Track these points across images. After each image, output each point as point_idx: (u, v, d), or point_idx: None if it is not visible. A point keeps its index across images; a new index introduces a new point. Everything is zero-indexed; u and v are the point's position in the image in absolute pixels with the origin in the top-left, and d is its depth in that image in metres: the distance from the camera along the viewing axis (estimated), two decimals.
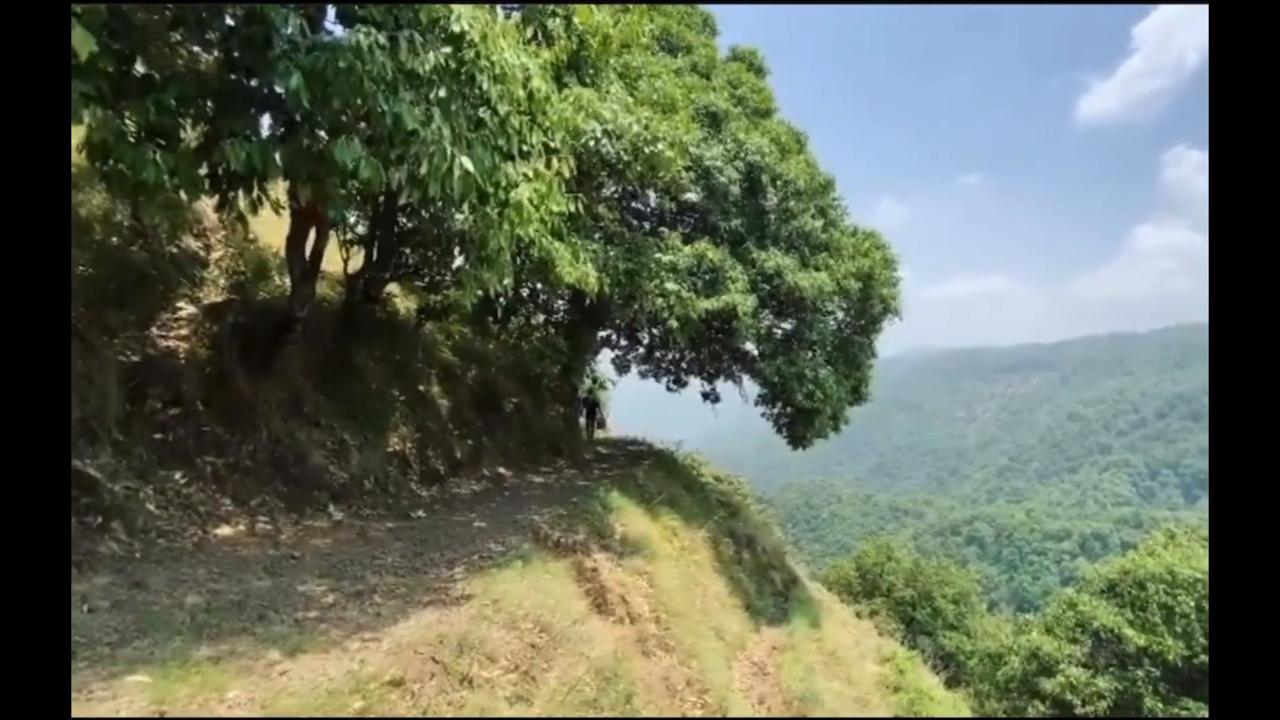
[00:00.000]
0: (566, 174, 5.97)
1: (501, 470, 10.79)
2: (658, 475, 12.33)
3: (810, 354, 14.56)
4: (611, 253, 8.02)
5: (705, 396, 16.59)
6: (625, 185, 10.22)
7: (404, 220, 7.90)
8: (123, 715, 3.11)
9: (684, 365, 16.36)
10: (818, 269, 14.32)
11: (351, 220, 9.07)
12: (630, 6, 12.12)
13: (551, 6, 8.18)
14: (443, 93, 4.89)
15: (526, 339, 12.47)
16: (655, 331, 13.84)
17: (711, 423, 20.63)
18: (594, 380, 16.63)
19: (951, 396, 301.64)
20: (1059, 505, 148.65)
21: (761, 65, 17.17)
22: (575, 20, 8.37)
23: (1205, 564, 23.05)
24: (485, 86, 5.09)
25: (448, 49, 4.88)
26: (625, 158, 7.57)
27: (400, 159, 4.94)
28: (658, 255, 8.37)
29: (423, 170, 4.83)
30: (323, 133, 4.94)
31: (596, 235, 9.74)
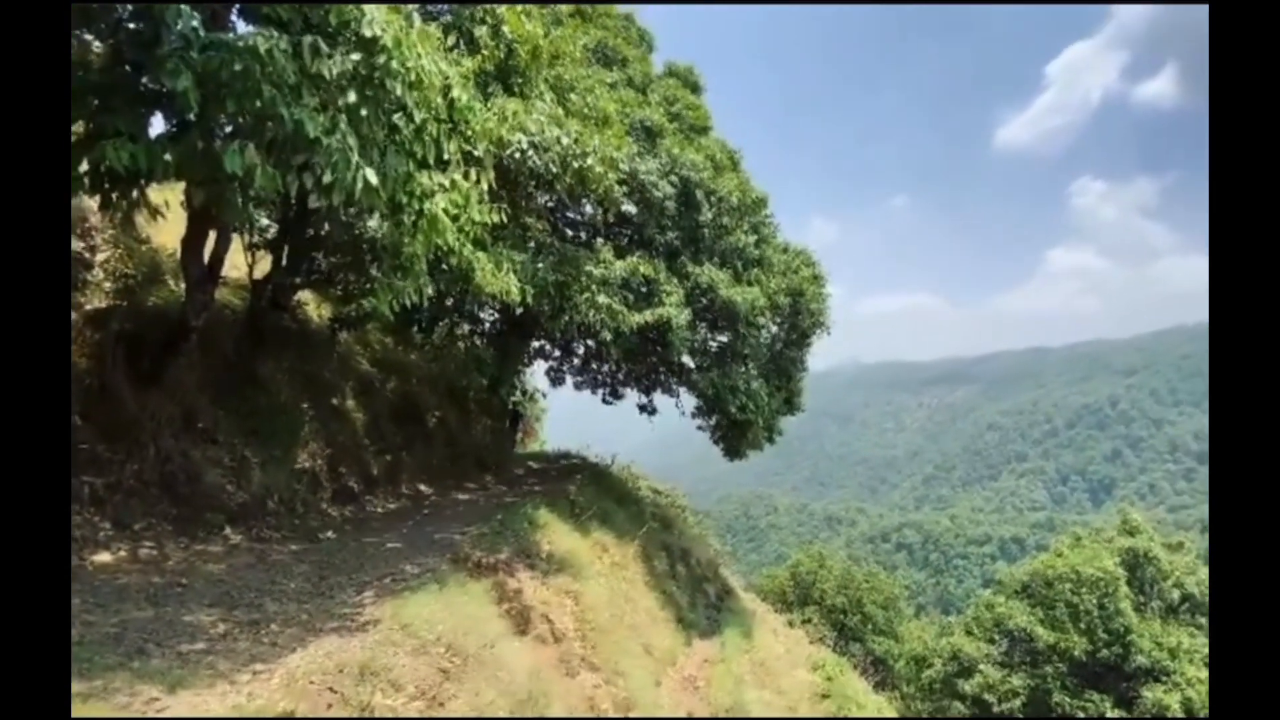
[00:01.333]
0: (486, 185, 5.94)
1: (422, 487, 10.46)
2: (590, 490, 12.29)
3: (744, 367, 14.98)
4: (540, 264, 8.00)
5: (642, 409, 16.72)
6: (555, 197, 10.24)
7: (317, 225, 7.60)
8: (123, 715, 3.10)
9: (620, 377, 16.43)
10: (750, 284, 14.80)
11: (262, 223, 8.66)
12: (564, 19, 12.28)
13: (479, 14, 8.16)
14: (351, 98, 4.78)
15: (452, 350, 12.18)
16: (590, 344, 13.87)
17: (650, 435, 20.84)
18: (522, 393, 16.44)
19: (881, 408, 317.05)
20: (981, 511, 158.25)
21: (697, 83, 17.66)
22: (504, 29, 8.38)
23: (1107, 563, 25.19)
24: (400, 93, 5.01)
25: (358, 54, 4.78)
26: (554, 170, 7.61)
27: (304, 166, 4.78)
28: (589, 268, 8.40)
29: (326, 179, 4.69)
30: (218, 136, 4.71)
31: (529, 246, 9.70)
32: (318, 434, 8.56)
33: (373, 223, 5.71)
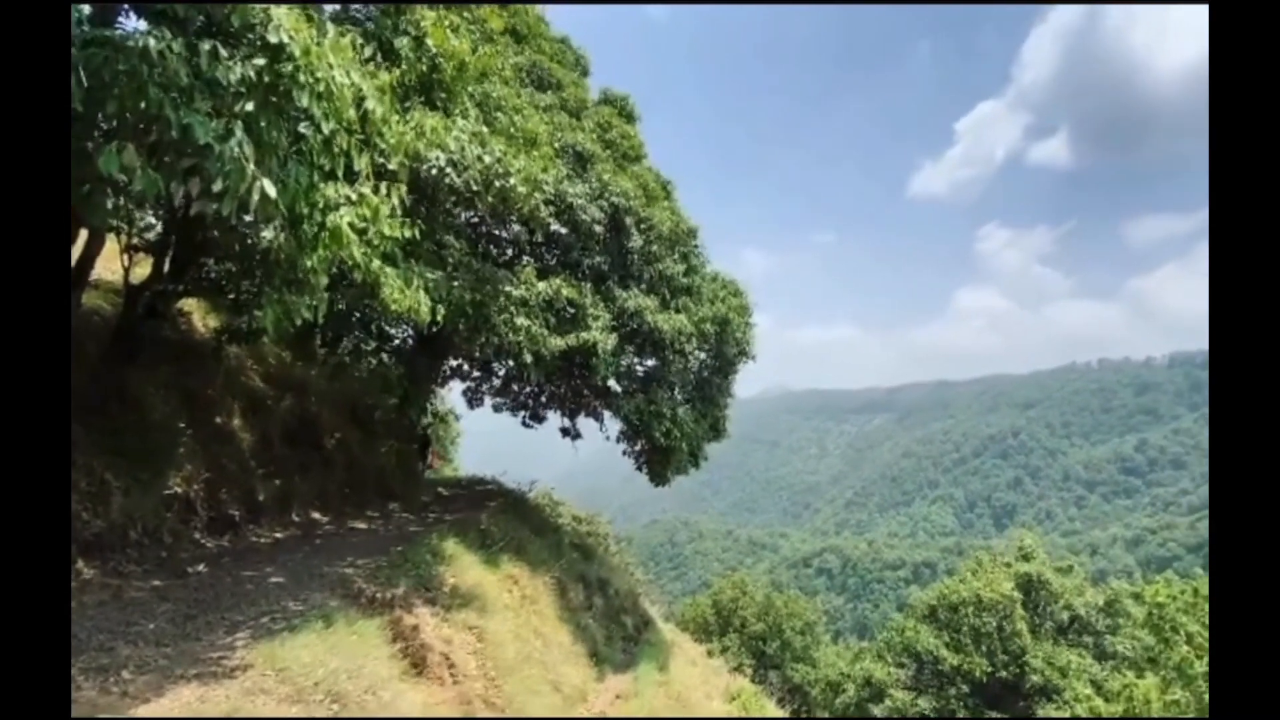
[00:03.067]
0: (398, 199, 5.82)
1: (316, 515, 9.83)
2: (504, 518, 11.99)
3: (670, 393, 15.22)
4: (455, 283, 7.84)
5: (565, 433, 16.58)
6: (478, 214, 10.13)
7: (206, 230, 7.13)
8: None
9: (542, 400, 16.26)
10: (678, 311, 15.14)
11: (146, 223, 8.03)
12: (496, 37, 12.32)
13: (401, 24, 8.06)
14: (250, 106, 4.59)
15: (357, 367, 11.63)
16: (511, 364, 13.70)
17: (576, 457, 20.66)
18: (433, 415, 15.92)
19: (807, 433, 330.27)
20: (896, 536, 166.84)
21: (632, 112, 18.07)
22: (429, 43, 8.30)
23: (1005, 587, 27.11)
24: (305, 103, 4.86)
25: (261, 61, 4.61)
26: (475, 188, 7.55)
27: (193, 171, 4.53)
28: (509, 289, 8.31)
29: (217, 186, 4.46)
30: (98, 134, 4.40)
31: (447, 263, 9.51)
32: (195, 456, 7.89)
33: (268, 233, 5.44)
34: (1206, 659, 18.28)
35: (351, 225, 5.50)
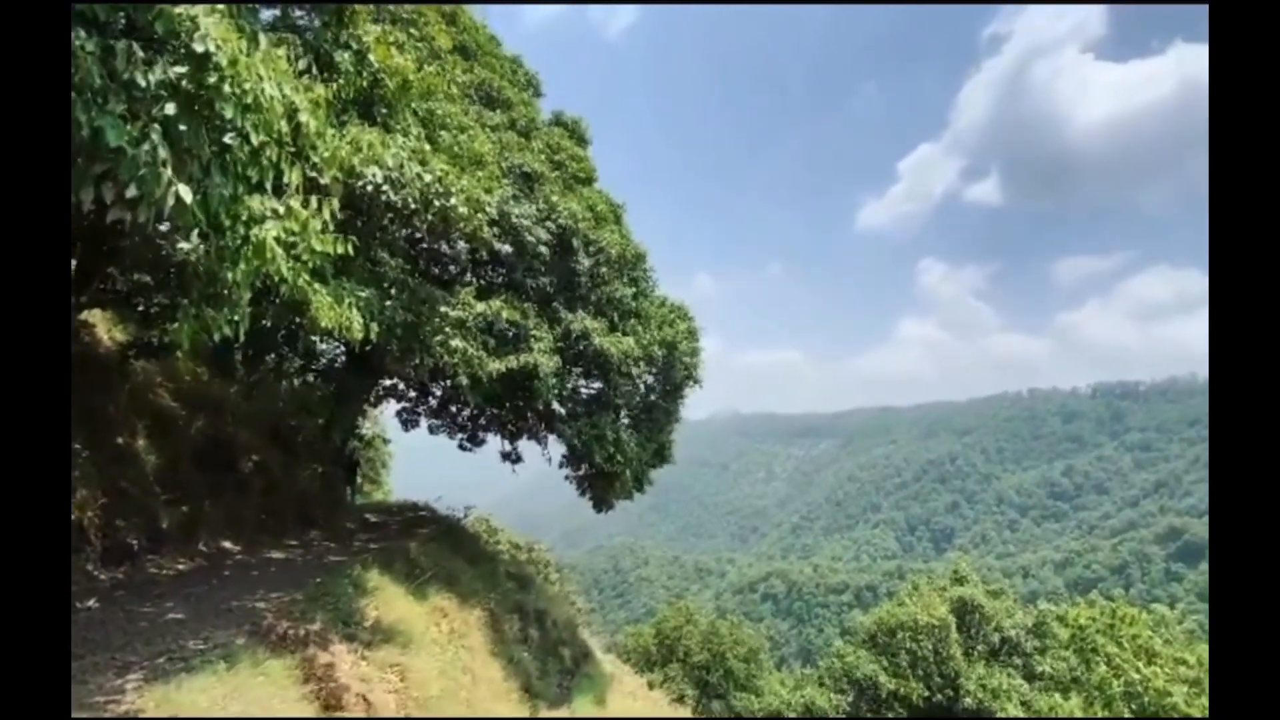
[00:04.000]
0: (329, 214, 5.71)
1: (227, 544, 9.26)
2: (435, 547, 11.61)
3: (614, 416, 15.22)
4: (389, 301, 7.67)
5: (505, 456, 16.28)
6: (417, 232, 10.00)
7: (116, 238, 6.77)
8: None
9: (482, 422, 15.94)
10: (626, 334, 15.26)
11: None
12: (444, 55, 12.32)
13: (342, 37, 7.99)
14: (170, 110, 4.45)
15: (279, 386, 11.13)
16: (449, 384, 13.43)
17: (515, 483, 20.27)
18: (359, 438, 15.36)
19: (755, 457, 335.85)
20: (840, 559, 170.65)
21: (584, 135, 18.31)
22: (371, 58, 8.25)
23: (940, 611, 28.10)
24: (230, 115, 4.74)
25: (182, 68, 4.49)
26: (413, 206, 7.47)
27: (105, 176, 4.34)
28: (445, 309, 8.17)
29: (131, 192, 4.29)
30: None
31: (385, 281, 9.31)
32: (90, 479, 7.32)
33: (186, 244, 5.22)
34: (1124, 679, 19.46)
35: (278, 239, 5.35)
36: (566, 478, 16.18)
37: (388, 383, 14.03)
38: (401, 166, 6.81)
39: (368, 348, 8.19)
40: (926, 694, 26.55)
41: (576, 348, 13.81)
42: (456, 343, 8.11)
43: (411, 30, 11.44)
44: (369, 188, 6.75)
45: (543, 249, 12.94)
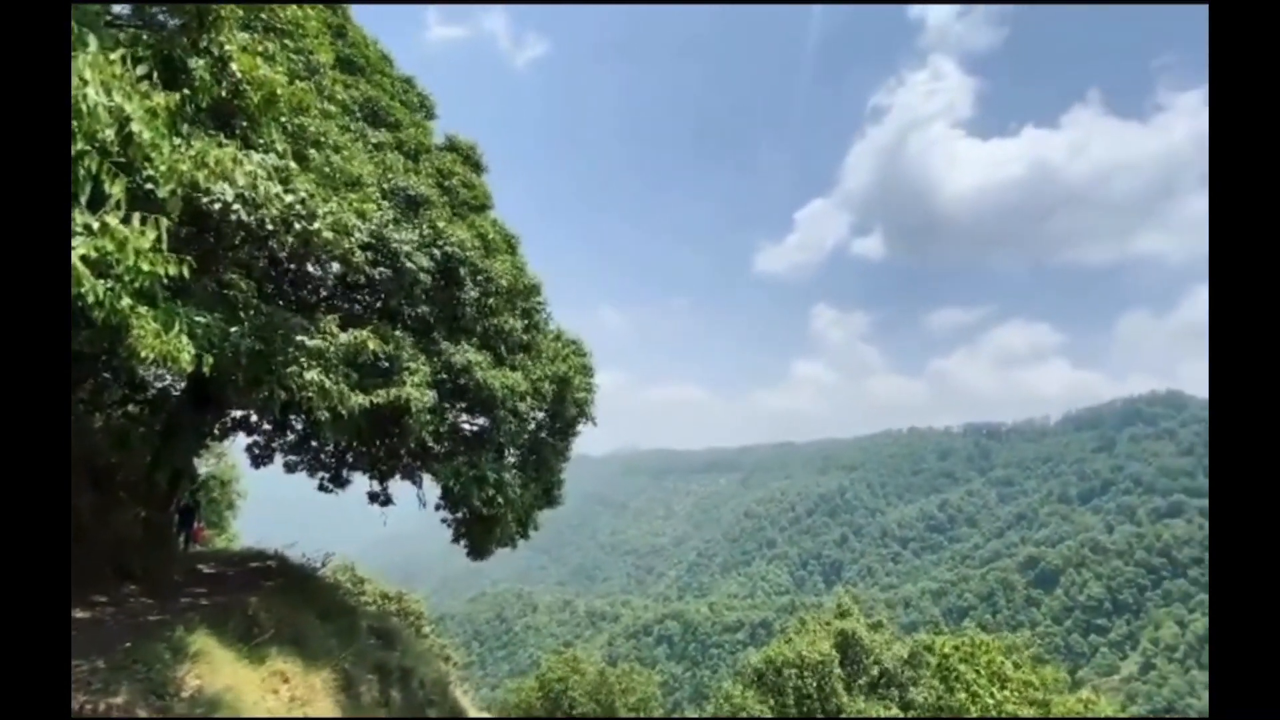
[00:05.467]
0: (160, 232, 5.31)
1: None
2: (281, 601, 10.63)
3: (497, 455, 14.82)
4: (235, 328, 7.10)
5: (373, 498, 15.28)
6: (285, 251, 9.43)
7: None
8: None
9: (347, 460, 14.94)
10: (514, 368, 15.04)
11: None
12: (324, 69, 11.93)
13: (201, 43, 7.57)
14: None
15: (93, 418, 9.92)
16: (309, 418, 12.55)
17: (388, 526, 19.10)
18: (191, 479, 13.90)
19: (654, 494, 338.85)
20: (736, 597, 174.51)
21: (479, 161, 18.16)
22: (234, 66, 7.85)
23: (824, 646, 29.40)
24: None
25: None
26: (270, 227, 7.08)
27: None
28: (301, 338, 7.68)
29: None
30: None
31: (236, 306, 8.64)
32: None
33: None
34: (980, 704, 21.29)
35: (85, 257, 4.89)
36: (442, 521, 15.47)
37: (238, 414, 12.84)
38: (255, 185, 6.47)
39: (205, 375, 7.51)
40: None
41: (457, 381, 13.43)
42: (312, 375, 7.61)
43: (287, 41, 10.99)
44: (216, 205, 6.34)
45: (424, 276, 12.59)
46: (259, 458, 14.12)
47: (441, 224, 13.63)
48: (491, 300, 14.96)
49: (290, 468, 14.58)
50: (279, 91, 8.29)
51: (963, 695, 21.59)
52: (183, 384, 10.10)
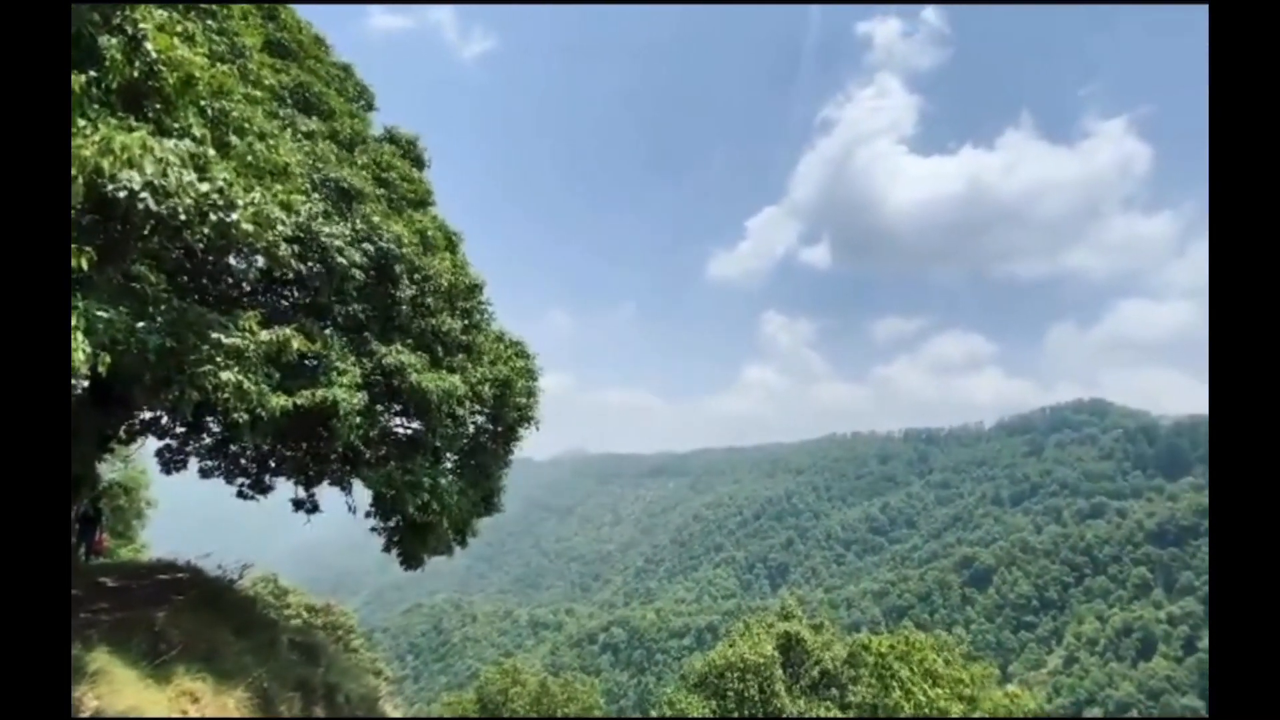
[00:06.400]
0: None
1: None
2: (192, 616, 10.12)
3: (433, 460, 14.51)
4: (140, 325, 6.73)
5: (298, 505, 14.68)
6: (202, 242, 9.02)
7: None
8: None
9: (270, 464, 14.34)
10: (452, 370, 14.76)
11: None
12: (251, 52, 11.50)
13: (115, 20, 7.20)
14: None
15: None
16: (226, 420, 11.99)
17: (320, 533, 18.40)
18: (94, 486, 13.09)
19: (601, 499, 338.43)
20: (683, 602, 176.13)
21: (420, 156, 17.78)
22: (149, 46, 7.49)
23: (766, 648, 30.04)
24: None
25: None
26: (183, 218, 6.77)
27: None
28: (217, 335, 7.34)
29: None
30: None
31: (145, 300, 8.19)
32: None
33: None
34: (913, 701, 22.30)
35: None
36: (373, 529, 15.03)
37: (147, 415, 12.13)
38: (166, 172, 6.19)
39: (104, 376, 7.10)
40: None
41: (390, 383, 13.10)
42: (227, 375, 7.29)
43: (210, 21, 10.53)
44: (122, 194, 6.04)
45: (356, 273, 12.26)
46: (171, 462, 13.34)
47: (376, 218, 13.30)
48: (429, 299, 14.67)
49: (206, 473, 13.85)
50: (198, 74, 7.97)
51: (898, 693, 22.55)
52: (84, 382, 9.50)
